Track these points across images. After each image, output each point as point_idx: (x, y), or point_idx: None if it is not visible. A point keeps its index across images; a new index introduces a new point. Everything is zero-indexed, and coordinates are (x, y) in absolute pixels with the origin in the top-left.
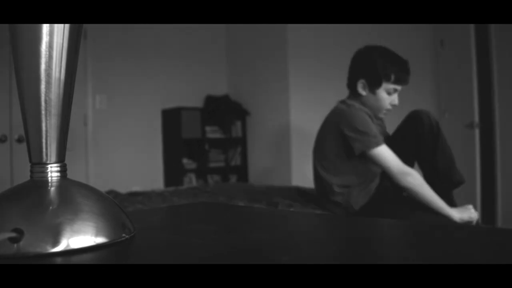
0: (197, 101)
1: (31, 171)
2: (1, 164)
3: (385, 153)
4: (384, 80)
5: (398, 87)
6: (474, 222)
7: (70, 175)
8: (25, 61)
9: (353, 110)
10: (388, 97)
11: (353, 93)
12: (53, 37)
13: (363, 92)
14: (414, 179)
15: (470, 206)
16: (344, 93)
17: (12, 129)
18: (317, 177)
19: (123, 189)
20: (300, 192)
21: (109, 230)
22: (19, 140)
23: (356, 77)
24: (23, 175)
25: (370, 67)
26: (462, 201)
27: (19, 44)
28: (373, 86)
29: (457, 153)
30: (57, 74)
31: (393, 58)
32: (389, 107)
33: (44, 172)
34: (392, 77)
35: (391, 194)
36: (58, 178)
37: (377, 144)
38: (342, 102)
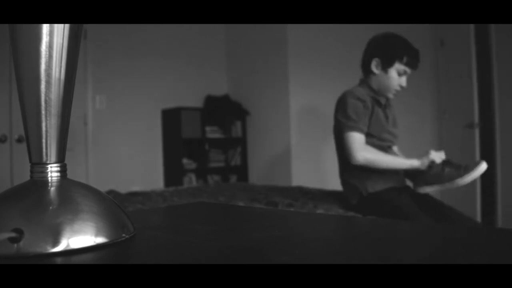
0: (197, 101)
1: (31, 171)
2: (1, 164)
3: (353, 139)
4: (397, 60)
5: (408, 70)
6: (438, 161)
7: (70, 175)
8: (25, 61)
9: (349, 99)
10: (397, 77)
11: (366, 73)
12: (53, 37)
13: (376, 70)
14: (365, 153)
15: (430, 151)
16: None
17: (12, 129)
18: (338, 158)
19: (123, 189)
20: (303, 191)
21: (109, 230)
22: (19, 140)
23: (371, 56)
24: (23, 175)
25: (385, 47)
26: (462, 201)
27: (19, 44)
28: (386, 64)
29: (457, 153)
30: (57, 74)
31: (406, 43)
32: (397, 88)
33: (44, 172)
34: (404, 58)
35: (409, 200)
36: (58, 178)
37: (352, 129)
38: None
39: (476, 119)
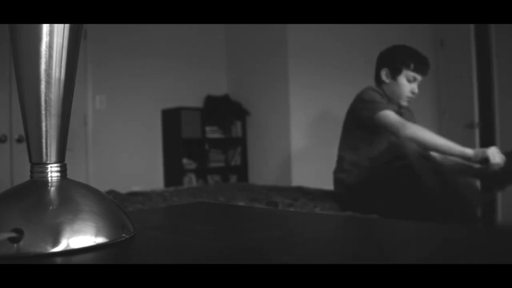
0: (197, 101)
1: (31, 171)
2: (1, 164)
3: (389, 115)
4: (404, 67)
5: (418, 76)
6: (497, 160)
7: (70, 175)
8: (25, 61)
9: (367, 91)
10: (408, 84)
11: (378, 83)
12: (53, 37)
13: (386, 79)
14: (416, 128)
15: (492, 147)
16: (344, 93)
17: (12, 129)
18: (338, 158)
19: (123, 189)
20: (303, 191)
21: (109, 230)
22: (19, 140)
23: (380, 66)
24: (23, 175)
25: (392, 56)
26: None
27: (19, 44)
28: (395, 72)
29: None
30: (57, 74)
31: (413, 51)
32: (409, 94)
33: (44, 172)
34: (412, 65)
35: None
36: (58, 178)
37: (382, 109)
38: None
39: (476, 119)
